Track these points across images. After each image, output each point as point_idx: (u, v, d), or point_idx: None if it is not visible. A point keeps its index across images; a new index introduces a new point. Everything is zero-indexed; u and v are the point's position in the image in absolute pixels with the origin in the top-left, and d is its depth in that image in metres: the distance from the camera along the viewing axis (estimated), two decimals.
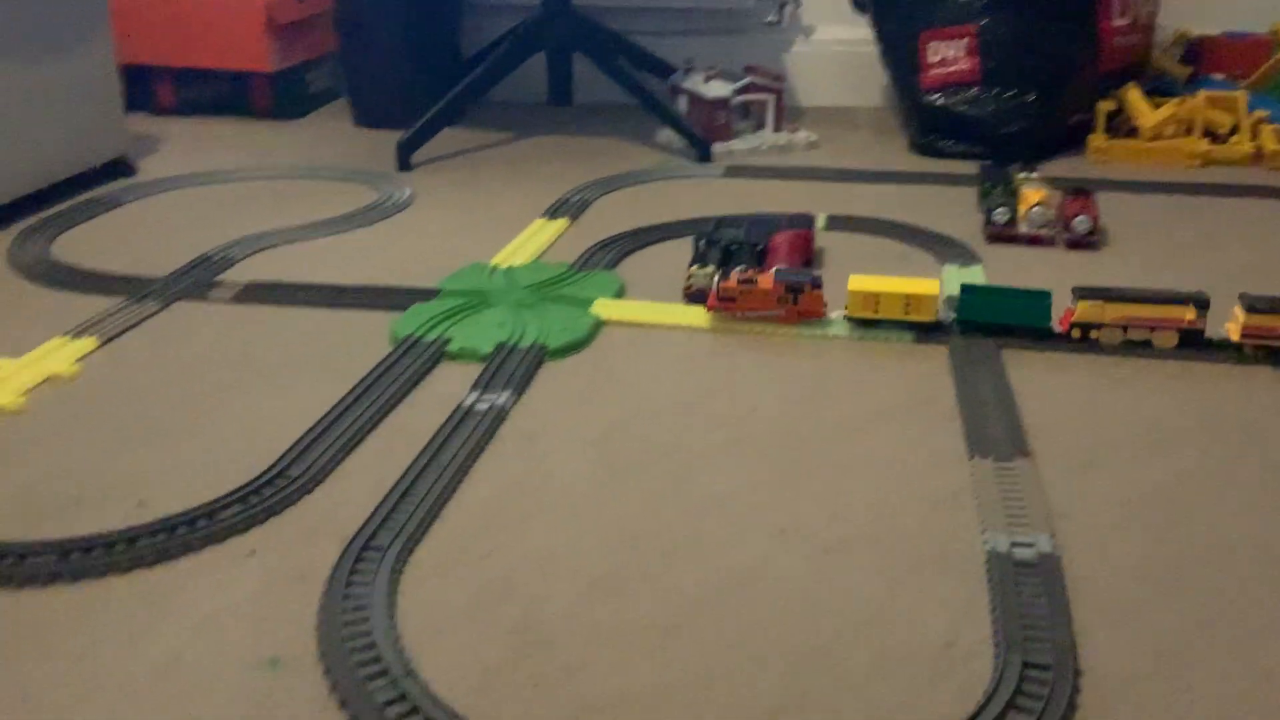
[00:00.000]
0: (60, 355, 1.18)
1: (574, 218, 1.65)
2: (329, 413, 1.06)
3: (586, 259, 1.47)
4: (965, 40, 1.93)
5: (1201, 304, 1.16)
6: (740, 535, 0.89)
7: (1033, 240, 1.52)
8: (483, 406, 1.08)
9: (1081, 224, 1.49)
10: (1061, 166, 1.88)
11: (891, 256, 1.49)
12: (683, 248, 1.46)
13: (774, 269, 1.26)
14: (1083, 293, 1.19)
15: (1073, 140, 1.96)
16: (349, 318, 1.30)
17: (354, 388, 1.11)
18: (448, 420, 1.05)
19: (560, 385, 1.14)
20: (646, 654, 0.76)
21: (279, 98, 2.22)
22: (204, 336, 1.25)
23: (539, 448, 1.02)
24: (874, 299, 1.22)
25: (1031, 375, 1.14)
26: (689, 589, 0.82)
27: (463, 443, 1.02)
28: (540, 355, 1.19)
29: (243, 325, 1.28)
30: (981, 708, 0.70)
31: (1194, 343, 1.17)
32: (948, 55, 1.96)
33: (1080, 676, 0.73)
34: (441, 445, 1.01)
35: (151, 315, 1.30)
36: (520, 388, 1.13)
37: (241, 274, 1.42)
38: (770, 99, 2.01)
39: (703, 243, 1.40)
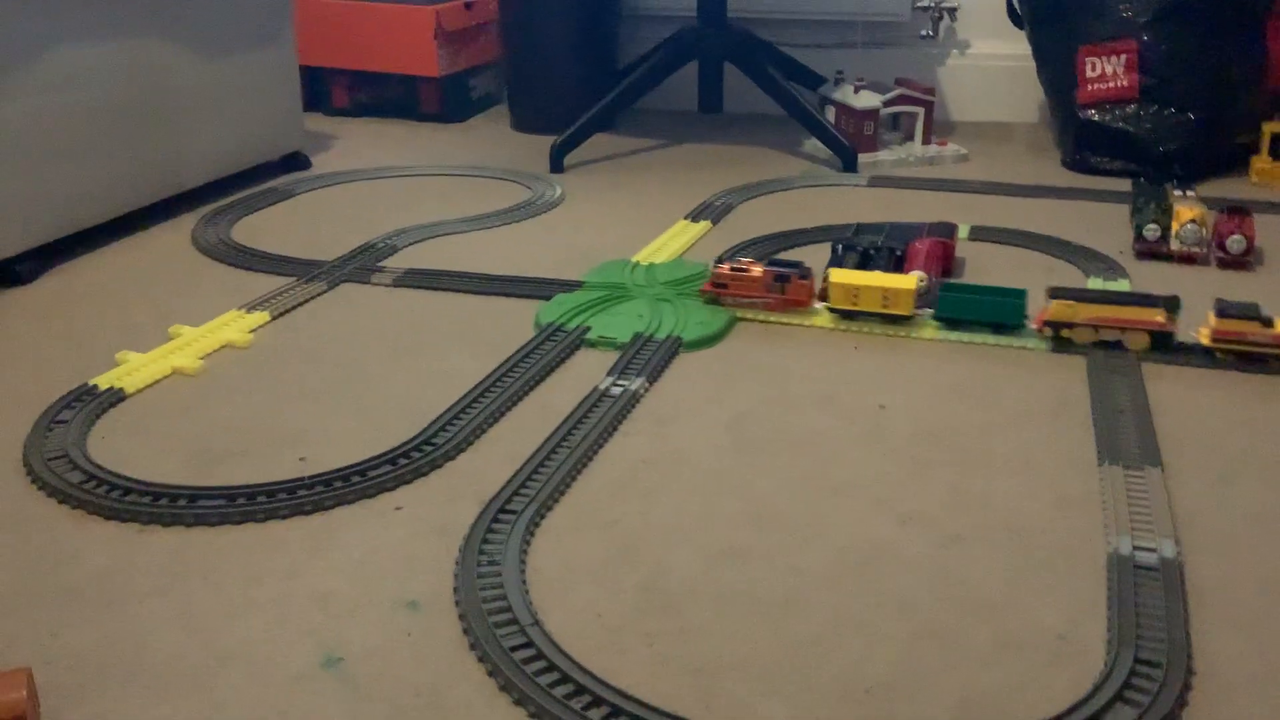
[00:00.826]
0: (236, 326, 1.28)
1: (716, 221, 1.69)
2: (474, 388, 1.13)
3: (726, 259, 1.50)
4: (1125, 56, 1.90)
5: (1172, 307, 1.18)
6: (864, 520, 0.91)
7: (1183, 258, 1.49)
8: (617, 390, 1.13)
9: (1236, 244, 1.45)
10: (1221, 187, 1.82)
11: (1034, 268, 1.48)
12: (821, 252, 1.48)
13: (767, 259, 1.30)
14: (1056, 292, 1.22)
15: (1235, 161, 1.90)
16: (497, 304, 1.37)
17: (498, 367, 1.17)
18: (583, 401, 1.10)
19: (693, 375, 1.18)
20: (764, 624, 0.79)
21: (444, 102, 2.34)
22: (365, 315, 1.33)
23: (669, 430, 1.06)
24: (854, 291, 1.27)
25: (1171, 389, 1.12)
26: (810, 567, 0.85)
27: (596, 422, 1.07)
28: (675, 346, 1.23)
29: (400, 307, 1.36)
30: (1089, 696, 0.70)
31: (1164, 345, 1.19)
32: (1106, 70, 1.92)
33: (1193, 676, 0.73)
34: (577, 424, 1.06)
35: (319, 295, 1.39)
36: (654, 375, 1.17)
37: (402, 261, 1.51)
38: (920, 111, 2.01)
39: (840, 247, 1.42)
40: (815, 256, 1.48)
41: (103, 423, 1.07)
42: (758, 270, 1.30)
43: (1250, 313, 1.15)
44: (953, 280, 1.27)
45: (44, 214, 1.46)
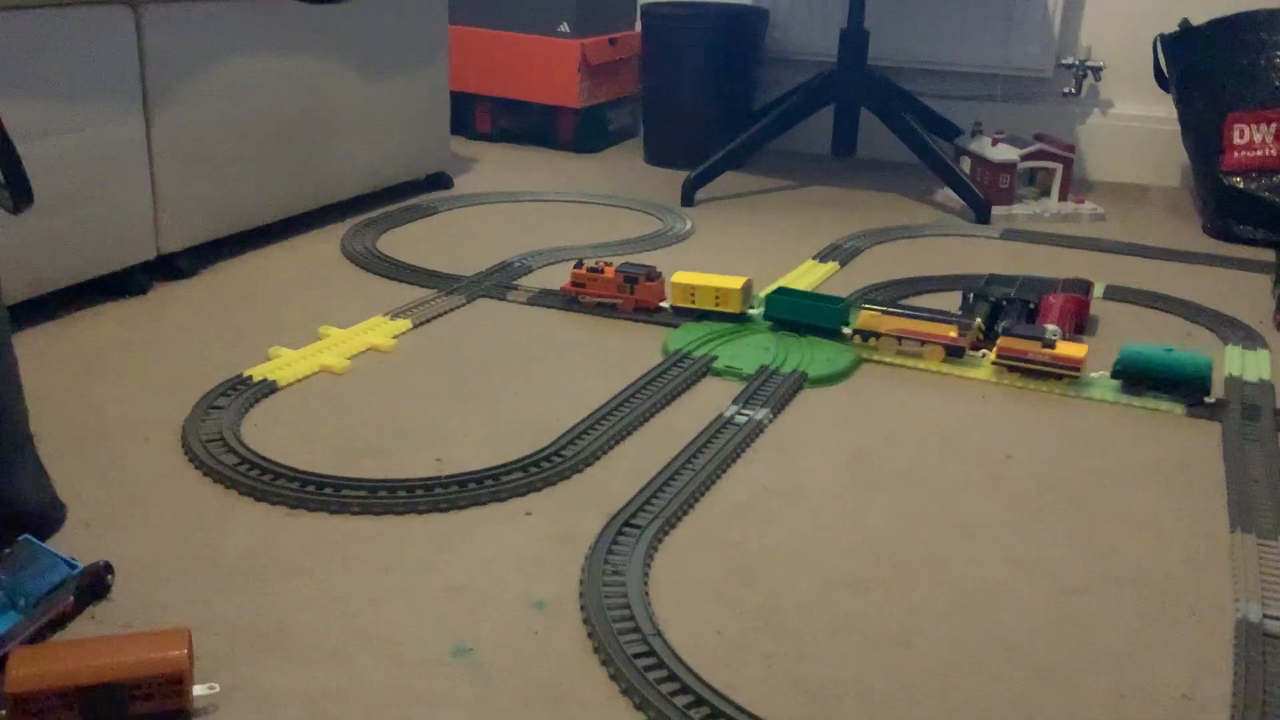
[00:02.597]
0: (380, 331, 1.35)
1: (844, 263, 1.70)
2: (602, 406, 1.16)
3: (853, 301, 1.51)
4: (1275, 125, 1.86)
5: (963, 325, 1.31)
6: (984, 562, 0.91)
7: None
8: (741, 419, 1.15)
9: None
10: None
11: (1170, 330, 1.45)
12: (950, 300, 1.49)
13: (621, 262, 1.41)
14: (865, 303, 1.35)
15: None
16: (627, 328, 1.40)
17: (626, 388, 1.21)
18: (708, 427, 1.13)
19: (817, 409, 1.20)
20: (879, 654, 0.80)
21: (582, 132, 2.40)
22: (500, 330, 1.38)
23: (792, 460, 1.08)
24: (690, 291, 1.40)
25: None
26: (928, 602, 0.86)
27: (720, 448, 1.09)
28: (800, 381, 1.25)
29: (534, 323, 1.41)
30: None
31: (956, 357, 1.29)
32: (1255, 139, 1.89)
33: None
34: (701, 448, 1.09)
35: (458, 307, 1.45)
36: (778, 407, 1.19)
37: (536, 281, 1.56)
38: (1058, 167, 2.00)
39: (971, 296, 1.42)
40: (945, 304, 1.48)
41: (256, 411, 1.14)
42: (610, 272, 1.42)
43: (1034, 334, 1.27)
44: (784, 286, 1.41)
45: (205, 214, 1.55)
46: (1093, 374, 1.28)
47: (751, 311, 1.42)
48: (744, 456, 1.09)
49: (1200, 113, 1.97)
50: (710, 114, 2.29)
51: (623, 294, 1.42)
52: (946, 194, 2.06)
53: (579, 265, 1.44)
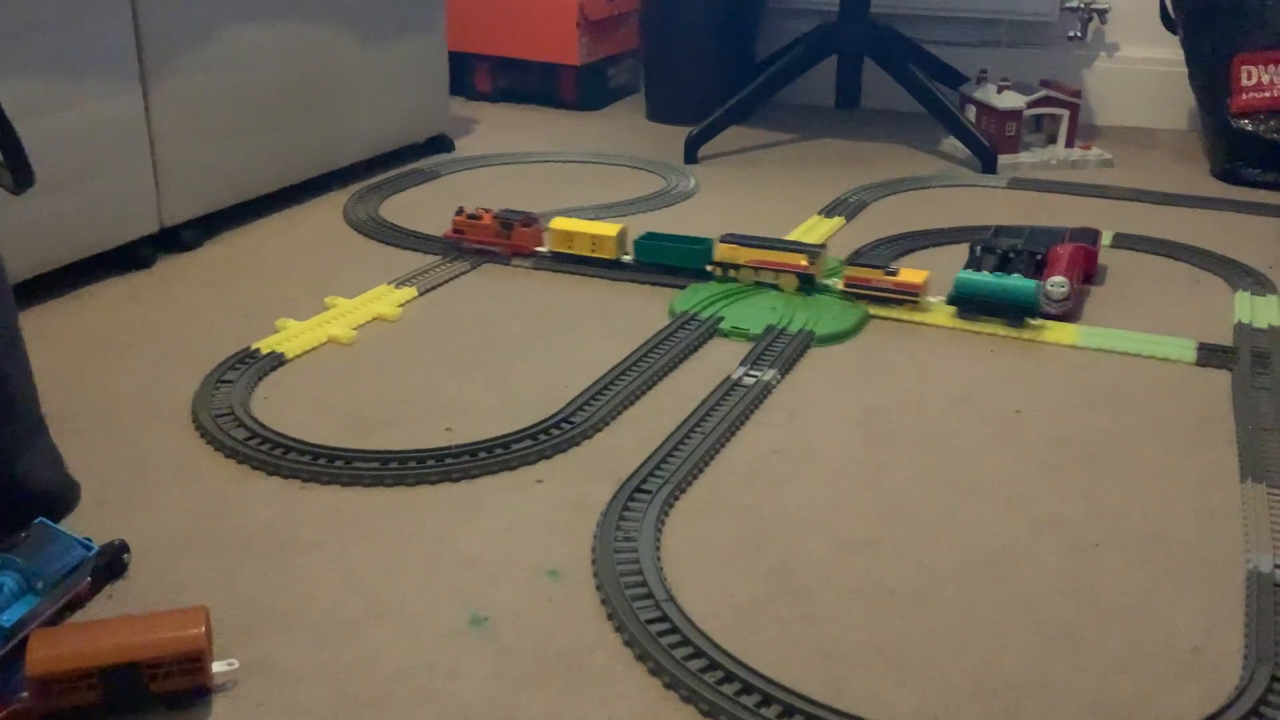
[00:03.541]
0: (386, 300, 1.34)
1: (849, 217, 1.69)
2: (611, 371, 1.16)
3: (859, 256, 1.51)
4: None
5: (813, 255, 1.36)
6: (998, 521, 0.92)
7: None
8: (749, 380, 1.15)
9: None
10: None
11: (1179, 278, 1.45)
12: (957, 253, 1.48)
13: (499, 209, 1.48)
14: (724, 238, 1.40)
15: None
16: (634, 290, 1.40)
17: (634, 352, 1.21)
18: (716, 389, 1.13)
19: (825, 369, 1.19)
20: (893, 615, 0.80)
21: (582, 90, 2.38)
22: (507, 295, 1.38)
23: (801, 421, 1.08)
24: (568, 237, 1.45)
25: None
26: (942, 563, 0.86)
27: (729, 410, 1.09)
28: (808, 340, 1.25)
29: (540, 288, 1.40)
30: (1223, 709, 0.70)
31: (809, 286, 1.36)
32: (1263, 80, 1.86)
33: None
34: (710, 410, 1.09)
35: (463, 273, 1.45)
36: (786, 367, 1.19)
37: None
38: (1064, 114, 1.98)
39: (979, 249, 1.41)
40: (952, 257, 1.48)
41: (264, 384, 1.14)
42: (488, 219, 1.48)
43: (877, 262, 1.35)
44: (652, 231, 1.45)
45: (208, 186, 1.55)
46: (931, 299, 1.35)
47: (625, 257, 1.46)
48: (753, 418, 1.09)
49: (1207, 55, 1.95)
50: (712, 68, 2.26)
51: (500, 239, 1.48)
52: (953, 144, 2.04)
53: (459, 213, 1.51)
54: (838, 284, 1.37)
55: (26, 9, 1.25)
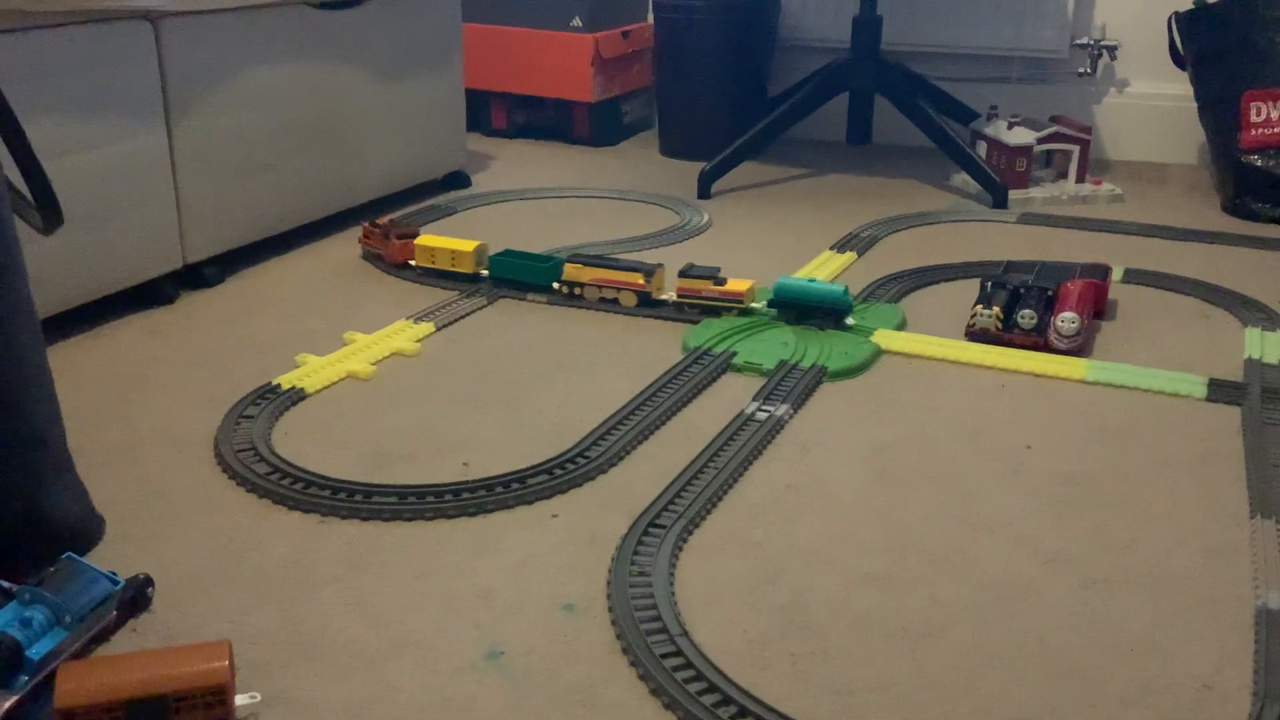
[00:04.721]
0: (404, 335, 1.36)
1: (861, 252, 1.71)
2: (625, 406, 1.18)
3: (871, 291, 1.52)
4: None
5: (649, 273, 1.45)
6: (1007, 557, 0.93)
7: None
8: (762, 415, 1.17)
9: None
10: None
11: (1190, 313, 1.46)
12: (968, 288, 1.49)
13: (389, 219, 1.62)
14: (571, 257, 1.49)
15: None
16: (647, 326, 1.42)
17: (648, 387, 1.22)
18: (729, 424, 1.14)
19: (837, 404, 1.21)
20: (903, 650, 0.81)
21: (596, 126, 2.41)
22: (523, 330, 1.40)
23: (813, 457, 1.09)
24: (431, 253, 1.55)
25: None
26: (952, 598, 0.87)
27: (742, 445, 1.10)
28: (820, 375, 1.26)
29: (556, 324, 1.42)
30: None
31: (647, 302, 1.45)
32: (1272, 116, 1.88)
33: None
34: (723, 446, 1.10)
35: (480, 309, 1.47)
36: (799, 402, 1.20)
37: None
38: (1075, 149, 2.00)
39: (990, 284, 1.42)
40: (963, 293, 1.49)
41: (285, 419, 1.16)
42: (377, 231, 1.63)
43: (707, 274, 1.44)
44: (509, 249, 1.55)
45: (230, 222, 1.58)
46: (754, 305, 1.44)
47: (483, 272, 1.55)
48: (766, 453, 1.10)
49: (1217, 91, 1.96)
50: (724, 105, 2.29)
51: (383, 248, 1.61)
52: (963, 179, 2.06)
53: (368, 222, 1.66)
54: (672, 295, 1.45)
55: (53, 49, 1.28)
